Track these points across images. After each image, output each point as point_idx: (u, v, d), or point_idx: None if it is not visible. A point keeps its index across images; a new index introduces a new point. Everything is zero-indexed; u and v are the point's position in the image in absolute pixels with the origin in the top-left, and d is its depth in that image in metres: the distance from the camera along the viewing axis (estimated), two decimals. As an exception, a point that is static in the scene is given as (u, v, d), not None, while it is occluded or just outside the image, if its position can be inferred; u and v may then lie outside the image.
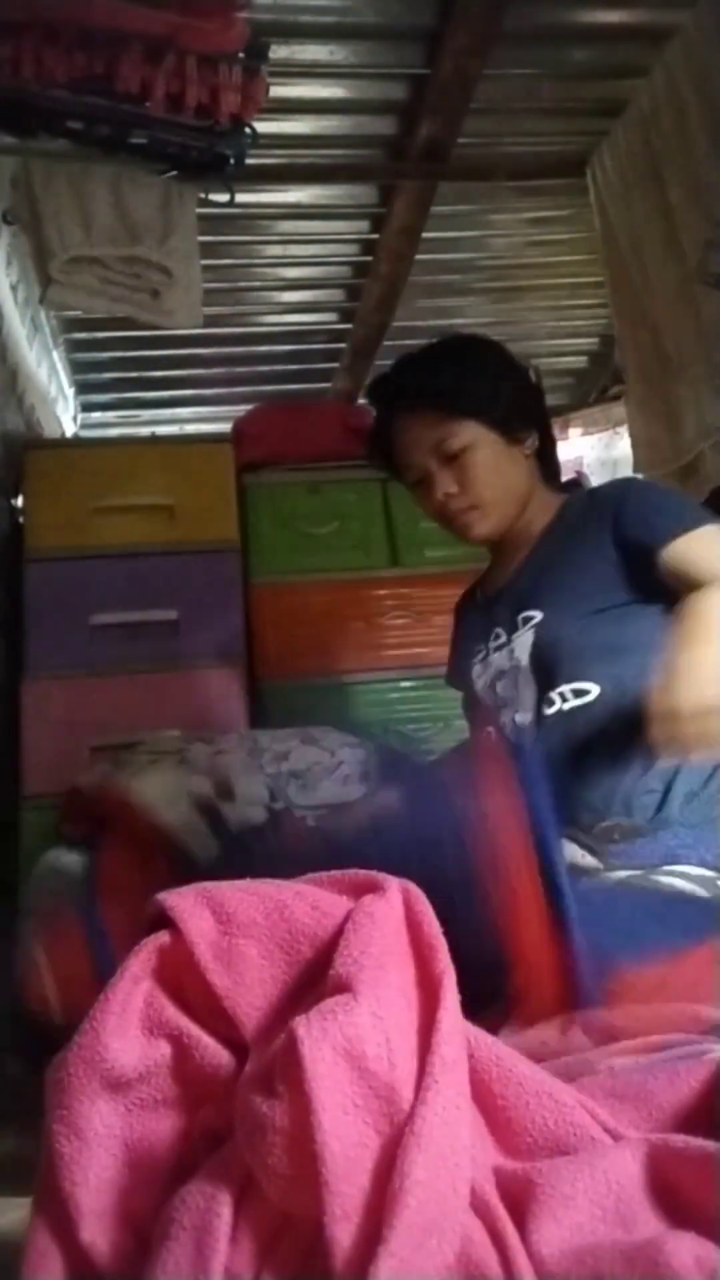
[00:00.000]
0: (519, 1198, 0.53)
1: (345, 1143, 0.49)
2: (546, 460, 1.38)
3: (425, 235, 2.73)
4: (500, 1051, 0.60)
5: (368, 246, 2.82)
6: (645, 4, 2.14)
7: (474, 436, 1.29)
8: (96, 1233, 0.54)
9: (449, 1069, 0.53)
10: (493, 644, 1.31)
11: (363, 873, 0.64)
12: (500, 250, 2.97)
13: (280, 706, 2.24)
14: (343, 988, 0.54)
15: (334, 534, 2.40)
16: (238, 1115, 0.54)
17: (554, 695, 1.21)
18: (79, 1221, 0.53)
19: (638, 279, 2.26)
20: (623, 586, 1.21)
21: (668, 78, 2.09)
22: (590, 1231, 0.51)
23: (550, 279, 3.11)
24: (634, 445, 2.35)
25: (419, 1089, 0.52)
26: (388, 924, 0.59)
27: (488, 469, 1.30)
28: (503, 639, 1.30)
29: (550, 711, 1.20)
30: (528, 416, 1.35)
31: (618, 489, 1.31)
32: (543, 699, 1.22)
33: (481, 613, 1.39)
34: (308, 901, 0.61)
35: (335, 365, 3.37)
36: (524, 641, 1.26)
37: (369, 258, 2.85)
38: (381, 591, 2.37)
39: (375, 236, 2.76)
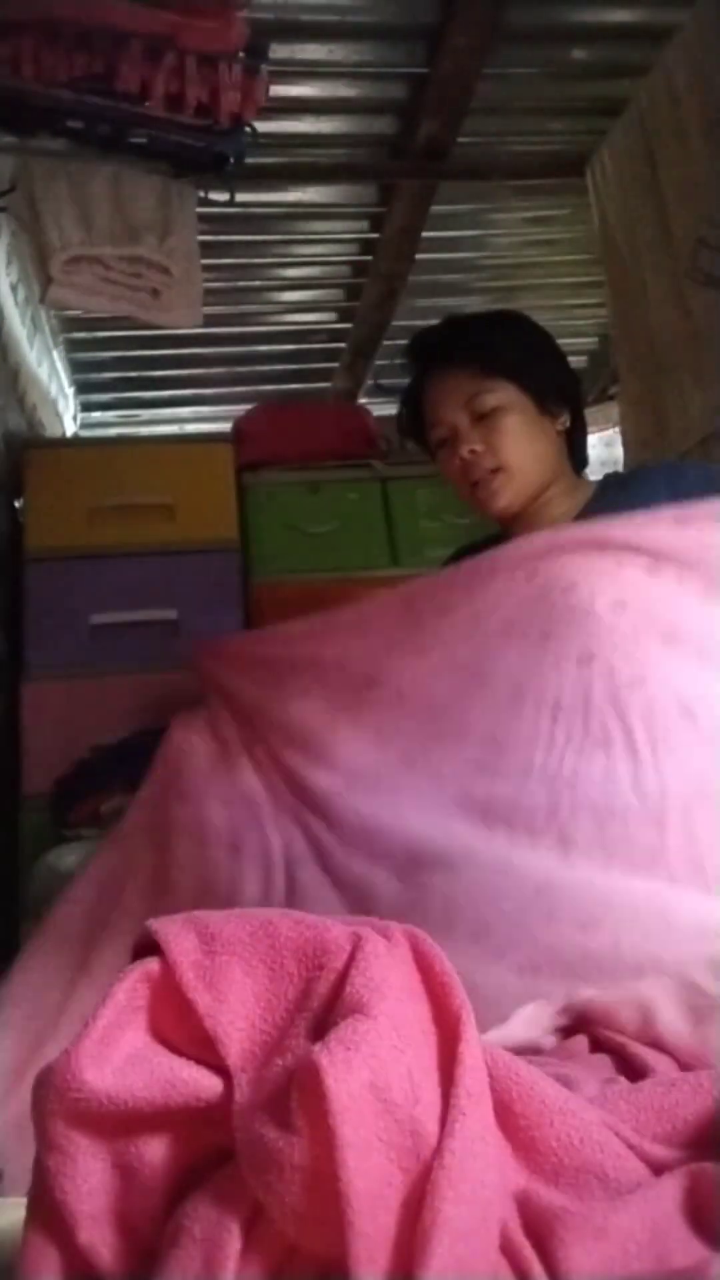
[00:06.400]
0: (547, 1227, 0.51)
1: (370, 1181, 0.47)
2: (576, 445, 1.37)
3: (425, 235, 2.73)
4: (520, 1068, 0.58)
5: (368, 246, 2.82)
6: (645, 3, 2.13)
7: (507, 398, 1.28)
8: (94, 1235, 0.53)
9: (475, 1101, 0.51)
10: None
11: (365, 919, 0.63)
12: (500, 250, 2.97)
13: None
14: (359, 1010, 0.51)
15: (334, 534, 2.40)
16: (240, 1147, 0.51)
17: None
18: (75, 1226, 0.52)
19: (634, 278, 2.26)
20: None
21: (666, 77, 2.09)
22: (623, 1265, 0.49)
23: (550, 279, 3.11)
24: (624, 444, 2.35)
25: (445, 1121, 0.50)
26: (396, 961, 0.57)
27: (516, 433, 1.28)
28: None
29: None
30: (562, 393, 1.34)
31: (675, 467, 1.29)
32: None
33: None
34: (292, 918, 0.60)
35: (335, 365, 3.37)
36: None
37: (369, 257, 2.85)
38: (381, 591, 2.36)
39: (375, 236, 2.76)
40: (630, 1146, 0.57)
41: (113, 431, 3.54)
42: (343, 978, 0.55)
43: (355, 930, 0.59)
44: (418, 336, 1.40)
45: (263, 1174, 0.49)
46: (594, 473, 1.46)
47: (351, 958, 0.56)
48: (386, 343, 3.20)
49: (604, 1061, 0.74)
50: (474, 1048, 0.54)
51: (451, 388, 1.30)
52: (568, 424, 1.34)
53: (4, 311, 2.39)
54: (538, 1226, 0.51)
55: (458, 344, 1.32)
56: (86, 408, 3.44)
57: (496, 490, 1.30)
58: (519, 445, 1.28)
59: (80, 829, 1.66)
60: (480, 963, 0.87)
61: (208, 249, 2.25)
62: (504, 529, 1.39)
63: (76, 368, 3.20)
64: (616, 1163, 0.55)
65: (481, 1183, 0.49)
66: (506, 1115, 0.56)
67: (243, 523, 2.36)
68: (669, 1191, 0.53)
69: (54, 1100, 0.53)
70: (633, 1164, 0.56)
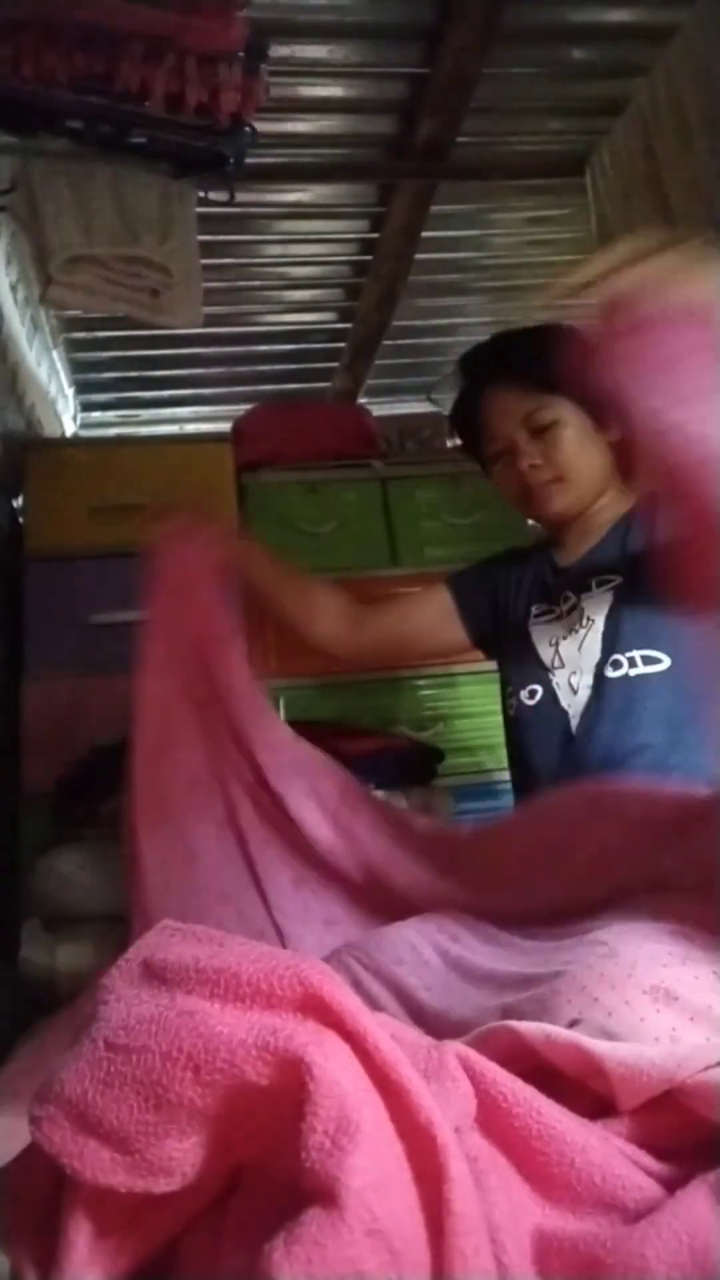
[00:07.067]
0: (587, 1269, 0.51)
1: None
2: (626, 457, 1.41)
3: (425, 234, 2.73)
4: (541, 1104, 0.58)
5: (368, 246, 2.82)
6: (645, 3, 2.13)
7: (564, 413, 1.33)
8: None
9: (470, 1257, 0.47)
10: (563, 605, 1.34)
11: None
12: (500, 250, 2.97)
13: (281, 706, 2.24)
14: (325, 1192, 0.45)
15: (334, 534, 2.40)
16: None
17: (622, 659, 1.21)
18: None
19: (638, 278, 2.26)
20: None
21: (668, 76, 2.09)
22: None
23: (550, 279, 3.11)
24: (634, 444, 2.36)
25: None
26: (349, 1074, 0.51)
27: (573, 446, 1.33)
28: (573, 600, 1.32)
29: (614, 675, 1.21)
30: (614, 407, 1.38)
31: None
32: (607, 661, 1.22)
33: (552, 576, 1.41)
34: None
35: (335, 365, 3.37)
36: (600, 601, 1.28)
37: (369, 257, 2.85)
38: (381, 591, 2.36)
39: (375, 236, 2.76)
40: (651, 1175, 0.57)
41: (112, 431, 3.54)
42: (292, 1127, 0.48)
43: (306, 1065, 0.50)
44: (469, 354, 1.46)
45: None
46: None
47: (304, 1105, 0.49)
48: (386, 343, 3.20)
49: None
50: (459, 1188, 0.49)
51: (508, 404, 1.35)
52: (619, 436, 1.38)
53: (4, 311, 2.39)
54: (574, 1270, 0.51)
55: (510, 361, 1.37)
56: (86, 408, 3.44)
57: (553, 496, 1.35)
58: (576, 457, 1.34)
59: (80, 829, 1.65)
60: None
61: (208, 249, 2.25)
62: (553, 534, 1.45)
63: (76, 368, 3.20)
64: (639, 1195, 0.55)
65: None
66: (526, 1152, 0.56)
67: (243, 523, 2.36)
68: (694, 1204, 0.53)
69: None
70: (653, 1194, 0.56)
